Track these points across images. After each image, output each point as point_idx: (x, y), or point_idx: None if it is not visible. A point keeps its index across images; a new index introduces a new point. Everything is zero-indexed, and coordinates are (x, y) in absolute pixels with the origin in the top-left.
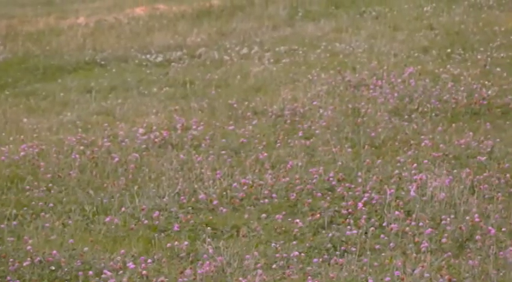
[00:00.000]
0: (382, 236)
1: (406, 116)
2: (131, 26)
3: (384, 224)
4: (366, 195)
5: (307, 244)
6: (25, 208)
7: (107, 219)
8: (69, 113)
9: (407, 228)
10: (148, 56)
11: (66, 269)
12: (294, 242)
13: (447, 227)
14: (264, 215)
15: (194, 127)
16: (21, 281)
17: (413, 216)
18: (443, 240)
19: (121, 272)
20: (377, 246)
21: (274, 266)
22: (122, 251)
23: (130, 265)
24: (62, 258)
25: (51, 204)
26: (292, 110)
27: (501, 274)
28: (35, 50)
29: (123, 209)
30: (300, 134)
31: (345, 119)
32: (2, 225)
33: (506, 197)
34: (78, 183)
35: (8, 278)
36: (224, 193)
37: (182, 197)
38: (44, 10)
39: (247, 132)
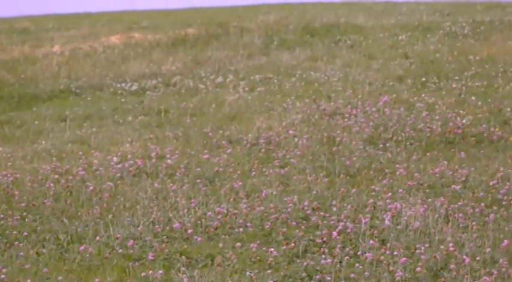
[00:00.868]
0: (356, 265)
1: (380, 145)
2: (106, 55)
3: (359, 253)
4: (341, 224)
5: (282, 273)
6: None
7: (82, 248)
8: (44, 142)
9: (382, 257)
10: (123, 84)
11: None
12: (269, 271)
13: (422, 256)
14: (238, 244)
15: (169, 156)
16: None
17: (388, 245)
18: (418, 269)
19: None
20: (352, 275)
21: None
22: (97, 280)
23: None
24: None
25: (25, 233)
26: (267, 139)
27: None
28: (10, 78)
29: (97, 237)
30: (275, 162)
31: (320, 147)
32: None
33: (481, 226)
34: (52, 212)
35: None
36: (199, 222)
37: (157, 226)
38: (19, 38)
39: (222, 161)
